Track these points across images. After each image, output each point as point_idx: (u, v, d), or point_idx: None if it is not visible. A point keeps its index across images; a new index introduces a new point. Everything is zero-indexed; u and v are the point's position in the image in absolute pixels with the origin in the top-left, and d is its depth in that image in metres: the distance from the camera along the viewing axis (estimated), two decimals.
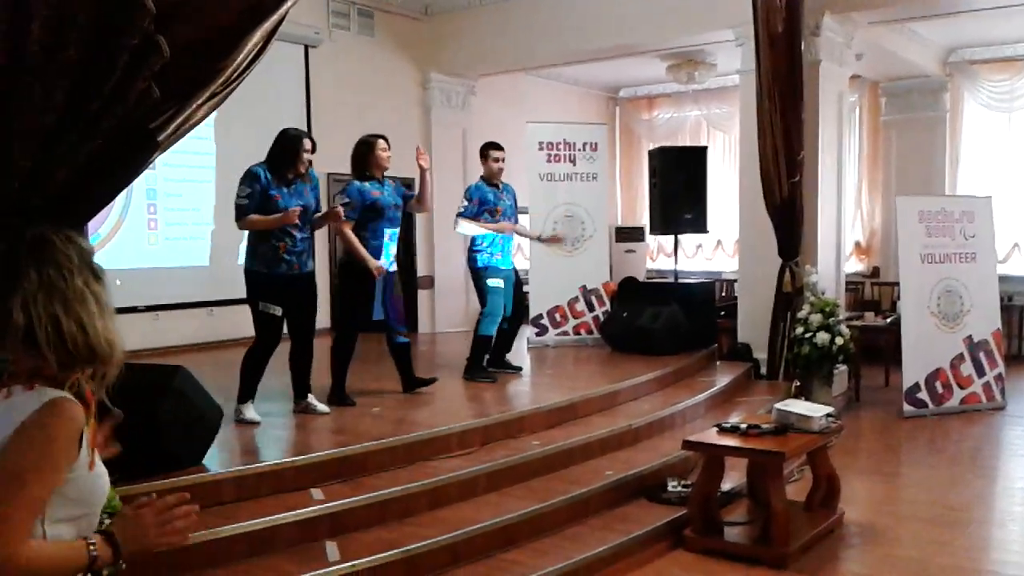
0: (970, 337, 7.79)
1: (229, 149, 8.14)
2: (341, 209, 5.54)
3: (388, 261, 5.82)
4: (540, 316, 8.86)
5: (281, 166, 5.19)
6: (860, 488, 5.63)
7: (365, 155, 5.80)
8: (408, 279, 9.31)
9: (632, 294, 8.80)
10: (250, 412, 5.13)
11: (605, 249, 9.44)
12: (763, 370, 7.90)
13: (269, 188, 5.14)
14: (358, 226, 5.71)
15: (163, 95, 2.24)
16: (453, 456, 4.84)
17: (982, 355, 7.81)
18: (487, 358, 6.84)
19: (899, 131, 11.26)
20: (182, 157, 7.72)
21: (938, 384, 7.64)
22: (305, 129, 8.22)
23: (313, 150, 5.32)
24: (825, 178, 8.04)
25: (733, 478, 5.11)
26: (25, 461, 1.60)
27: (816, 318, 7.22)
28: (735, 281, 9.74)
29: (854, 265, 11.32)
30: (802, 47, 7.33)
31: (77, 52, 2.08)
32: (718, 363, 8.12)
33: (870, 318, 9.16)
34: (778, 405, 4.93)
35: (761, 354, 7.93)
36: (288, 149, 5.19)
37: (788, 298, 7.65)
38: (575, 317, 8.96)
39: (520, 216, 7.47)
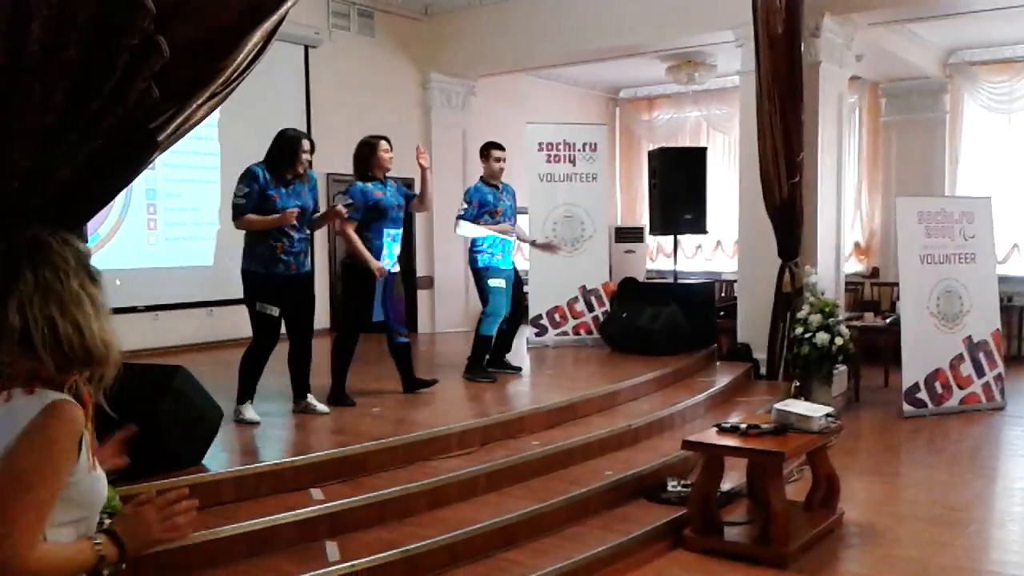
0: (969, 337, 7.79)
1: (228, 150, 8.15)
2: (343, 208, 5.53)
3: (391, 262, 5.83)
4: (540, 316, 8.86)
5: (280, 166, 5.19)
6: (860, 488, 5.63)
7: (367, 156, 5.80)
8: (407, 279, 9.31)
9: (632, 294, 8.80)
10: (249, 412, 5.13)
11: (605, 249, 9.44)
12: (763, 370, 7.91)
13: (267, 188, 5.14)
14: (361, 227, 5.71)
15: (163, 95, 2.24)
16: (453, 456, 4.85)
17: (982, 355, 7.82)
18: (487, 358, 6.85)
19: (899, 132, 11.26)
20: (181, 157, 7.73)
21: (938, 384, 7.64)
22: (305, 129, 8.23)
23: (312, 151, 5.33)
24: (825, 179, 8.04)
25: (733, 478, 5.12)
26: (28, 464, 1.60)
27: (816, 318, 7.23)
28: (735, 282, 9.75)
29: (854, 266, 11.32)
30: (802, 48, 7.33)
31: (77, 52, 2.08)
32: (718, 363, 8.12)
33: (870, 318, 9.17)
34: (778, 405, 4.94)
35: (761, 354, 7.93)
36: (287, 150, 5.19)
37: (788, 298, 7.65)
38: (575, 317, 8.97)
39: (520, 217, 7.47)
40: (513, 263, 7.01)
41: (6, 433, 1.61)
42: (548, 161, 8.99)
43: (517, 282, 7.16)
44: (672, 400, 6.49)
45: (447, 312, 10.43)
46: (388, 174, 5.88)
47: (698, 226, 9.05)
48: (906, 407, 7.52)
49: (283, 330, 5.31)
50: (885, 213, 11.31)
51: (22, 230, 1.74)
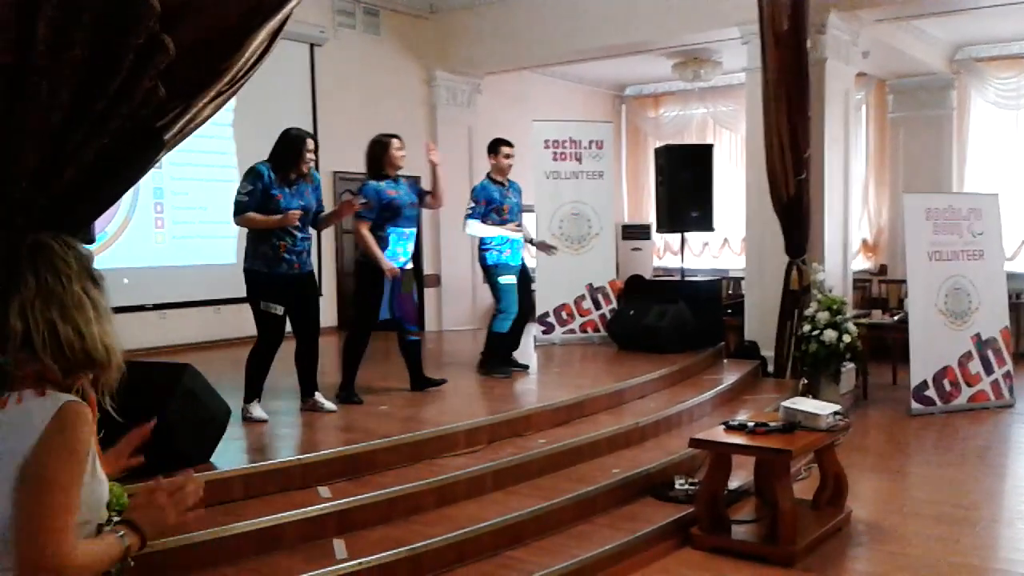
0: (978, 335, 7.77)
1: (231, 149, 8.17)
2: (356, 201, 5.50)
3: (405, 259, 5.83)
4: (547, 314, 8.85)
5: (284, 166, 5.19)
6: (868, 486, 5.62)
7: (380, 155, 5.80)
8: (415, 277, 9.32)
9: (638, 292, 8.79)
10: (257, 411, 5.14)
11: (611, 247, 9.43)
12: (770, 368, 7.89)
13: (271, 187, 5.14)
14: (375, 226, 5.71)
15: (169, 94, 2.24)
16: (460, 454, 4.85)
17: (990, 353, 7.79)
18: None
19: (906, 128, 11.22)
20: (188, 156, 7.75)
21: (946, 382, 7.62)
22: (310, 128, 8.25)
23: (316, 150, 5.32)
24: (832, 176, 8.02)
25: (740, 476, 5.10)
26: (58, 467, 1.61)
27: (823, 316, 7.21)
28: (742, 279, 9.72)
29: (861, 263, 11.29)
30: (808, 45, 7.31)
31: (83, 51, 2.08)
32: (725, 361, 8.10)
33: (877, 316, 9.13)
34: (785, 403, 4.93)
35: (768, 352, 7.91)
36: (291, 149, 5.19)
37: (795, 296, 7.63)
38: (581, 315, 8.96)
39: (525, 214, 7.46)
40: (522, 260, 7.01)
41: (24, 435, 1.62)
42: (554, 159, 8.98)
43: (526, 279, 7.15)
44: (679, 398, 6.47)
45: (454, 310, 10.44)
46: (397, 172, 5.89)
47: (705, 223, 9.02)
48: (914, 405, 7.50)
49: (289, 328, 5.32)
50: (893, 210, 11.27)
51: (28, 230, 1.74)
